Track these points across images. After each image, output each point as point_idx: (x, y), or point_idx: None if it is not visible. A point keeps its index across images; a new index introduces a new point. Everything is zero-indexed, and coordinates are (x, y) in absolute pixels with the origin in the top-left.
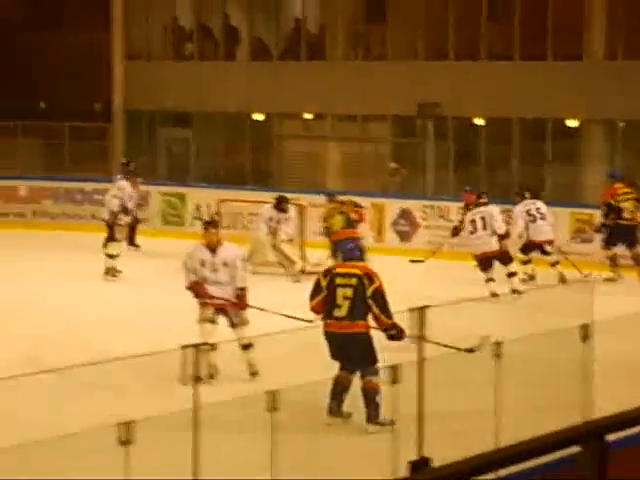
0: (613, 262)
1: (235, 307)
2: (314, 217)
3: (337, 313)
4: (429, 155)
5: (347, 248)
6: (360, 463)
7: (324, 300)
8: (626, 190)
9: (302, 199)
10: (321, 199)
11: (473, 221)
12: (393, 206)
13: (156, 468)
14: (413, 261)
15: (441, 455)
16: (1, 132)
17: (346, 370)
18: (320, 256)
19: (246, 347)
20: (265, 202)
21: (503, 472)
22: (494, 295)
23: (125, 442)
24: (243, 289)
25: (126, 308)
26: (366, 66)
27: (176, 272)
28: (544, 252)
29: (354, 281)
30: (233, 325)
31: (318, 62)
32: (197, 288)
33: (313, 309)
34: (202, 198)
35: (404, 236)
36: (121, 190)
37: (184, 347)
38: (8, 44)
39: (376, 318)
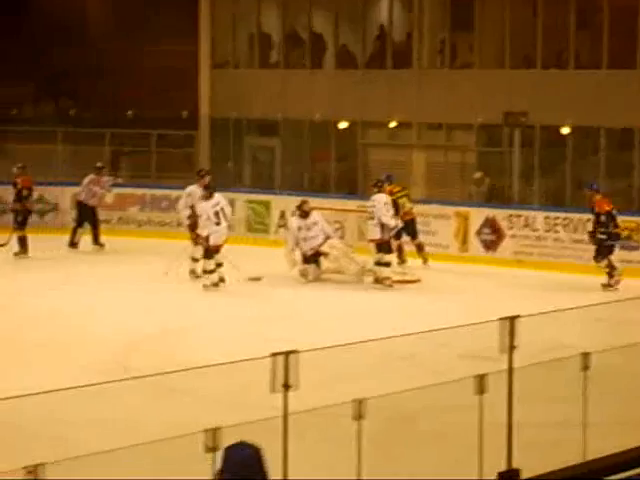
0: None
1: None
2: None
3: None
4: (515, 164)
5: None
6: (447, 473)
7: None
8: None
9: None
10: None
11: (216, 213)
12: (478, 215)
13: None
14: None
15: (529, 467)
16: (90, 140)
17: None
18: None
19: None
20: (350, 210)
21: None
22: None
23: (212, 449)
24: None
25: (210, 315)
26: (452, 74)
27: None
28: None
29: None
30: None
31: (404, 70)
32: None
33: None
34: (287, 206)
35: (489, 245)
36: (190, 196)
37: (274, 354)
38: (97, 53)
39: None
